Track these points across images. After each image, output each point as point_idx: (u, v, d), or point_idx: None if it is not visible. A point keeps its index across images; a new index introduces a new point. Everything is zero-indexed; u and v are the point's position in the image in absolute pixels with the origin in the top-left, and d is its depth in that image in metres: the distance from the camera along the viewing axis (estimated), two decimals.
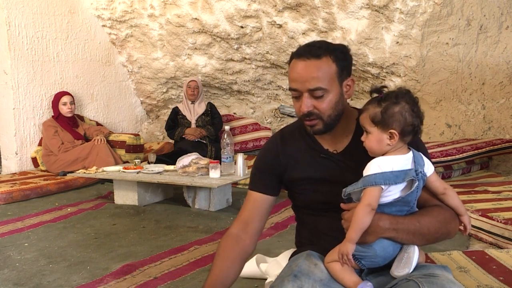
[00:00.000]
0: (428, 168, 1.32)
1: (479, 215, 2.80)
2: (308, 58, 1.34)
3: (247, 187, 5.15)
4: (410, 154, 1.30)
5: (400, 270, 1.27)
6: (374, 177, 1.25)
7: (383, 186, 1.25)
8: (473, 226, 2.82)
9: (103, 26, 5.80)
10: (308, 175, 1.45)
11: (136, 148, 5.29)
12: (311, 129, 1.41)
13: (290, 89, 1.40)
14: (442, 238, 1.34)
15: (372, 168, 1.27)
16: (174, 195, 4.15)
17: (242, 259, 1.48)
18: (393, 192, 1.28)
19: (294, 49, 1.45)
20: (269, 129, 5.66)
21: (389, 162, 1.27)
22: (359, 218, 1.25)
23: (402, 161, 1.28)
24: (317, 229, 1.46)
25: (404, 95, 1.29)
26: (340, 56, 1.37)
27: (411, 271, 1.26)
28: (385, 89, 1.32)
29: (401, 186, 1.27)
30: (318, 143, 1.47)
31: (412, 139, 1.31)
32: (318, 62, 1.33)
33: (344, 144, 1.44)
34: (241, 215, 1.51)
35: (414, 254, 1.27)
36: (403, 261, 1.28)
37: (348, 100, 1.47)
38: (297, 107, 1.41)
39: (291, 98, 5.98)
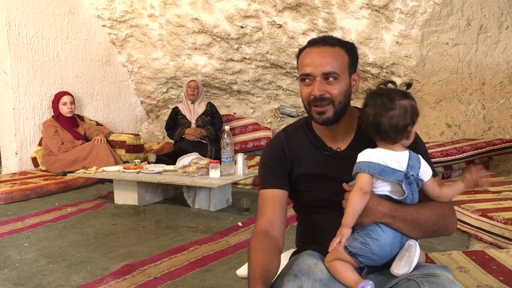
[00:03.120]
0: (425, 173, 1.32)
1: (479, 215, 2.80)
2: (323, 45, 1.40)
3: (247, 187, 5.13)
4: (405, 154, 1.31)
5: (401, 268, 1.28)
6: (362, 164, 1.31)
7: (371, 173, 1.29)
8: (473, 226, 2.83)
9: (103, 26, 5.80)
10: (312, 171, 1.45)
11: (136, 148, 5.29)
12: (320, 117, 1.40)
13: (302, 74, 1.41)
14: (439, 232, 1.37)
15: (361, 157, 1.32)
16: (174, 195, 4.15)
17: (279, 254, 1.40)
18: (381, 189, 1.31)
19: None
20: (269, 129, 5.67)
21: (376, 154, 1.31)
22: (352, 202, 1.29)
23: (392, 157, 1.30)
24: (320, 227, 1.46)
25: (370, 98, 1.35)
26: (351, 49, 1.43)
27: (411, 270, 1.27)
28: (390, 84, 1.36)
29: (388, 183, 1.30)
30: (321, 140, 1.48)
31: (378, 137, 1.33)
32: (332, 49, 1.40)
33: (346, 142, 1.46)
34: (264, 214, 1.46)
35: (415, 254, 1.27)
36: (404, 259, 1.28)
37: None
38: (307, 93, 1.40)
39: (291, 97, 6.00)
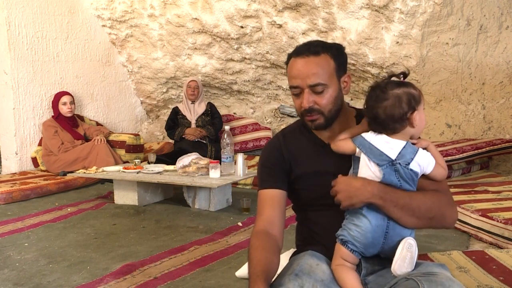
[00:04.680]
0: (428, 166, 1.33)
1: (479, 215, 2.80)
2: (308, 55, 1.39)
3: (247, 187, 5.13)
4: (400, 143, 1.32)
5: (404, 269, 1.28)
6: (356, 139, 1.37)
7: (360, 148, 1.34)
8: (473, 226, 2.83)
9: (103, 26, 5.80)
10: (311, 169, 1.46)
11: (136, 148, 5.29)
12: (312, 124, 1.43)
13: (291, 87, 1.43)
14: (436, 221, 1.34)
15: (359, 135, 1.39)
16: (174, 195, 4.15)
17: (279, 253, 1.41)
18: (365, 172, 1.35)
19: (290, 53, 1.47)
20: (269, 129, 5.67)
21: (372, 134, 1.35)
22: (339, 142, 1.40)
23: (384, 141, 1.33)
24: (319, 225, 1.47)
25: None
26: (337, 53, 1.43)
27: (412, 269, 1.28)
28: (394, 78, 1.38)
29: (369, 169, 1.33)
30: (319, 138, 1.49)
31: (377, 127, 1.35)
32: (317, 58, 1.39)
33: None
34: (263, 214, 1.46)
35: (415, 253, 1.29)
36: (407, 260, 1.28)
37: (348, 100, 1.49)
38: (298, 104, 1.43)
39: (291, 97, 6.00)
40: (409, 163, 1.30)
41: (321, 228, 1.46)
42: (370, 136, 1.35)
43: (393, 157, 1.31)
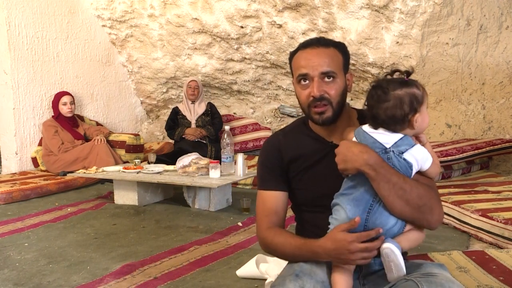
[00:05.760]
0: (425, 162, 1.31)
1: (479, 215, 2.80)
2: (318, 46, 1.42)
3: (247, 187, 5.12)
4: (397, 135, 1.31)
5: (395, 276, 1.26)
6: (357, 128, 1.38)
7: (355, 136, 1.36)
8: (473, 226, 2.83)
9: (103, 26, 5.80)
10: (309, 169, 1.46)
11: (136, 148, 5.29)
12: (320, 117, 1.41)
13: (300, 75, 1.41)
14: (424, 211, 1.28)
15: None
16: (174, 195, 4.15)
17: None
18: None
19: (294, 49, 1.48)
20: (269, 129, 5.67)
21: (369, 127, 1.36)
22: (347, 129, 1.43)
23: (380, 133, 1.33)
24: (317, 226, 1.46)
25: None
26: (343, 49, 1.45)
27: (405, 271, 1.26)
28: (397, 73, 1.37)
29: None
30: (320, 136, 1.49)
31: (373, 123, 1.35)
32: (327, 49, 1.41)
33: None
34: (267, 216, 1.48)
35: (397, 257, 1.25)
36: (393, 269, 1.26)
37: (348, 100, 1.49)
38: (306, 94, 1.41)
39: (291, 97, 5.99)
40: (402, 153, 1.29)
41: (319, 229, 1.45)
42: (366, 126, 1.35)
43: (388, 145, 1.30)
